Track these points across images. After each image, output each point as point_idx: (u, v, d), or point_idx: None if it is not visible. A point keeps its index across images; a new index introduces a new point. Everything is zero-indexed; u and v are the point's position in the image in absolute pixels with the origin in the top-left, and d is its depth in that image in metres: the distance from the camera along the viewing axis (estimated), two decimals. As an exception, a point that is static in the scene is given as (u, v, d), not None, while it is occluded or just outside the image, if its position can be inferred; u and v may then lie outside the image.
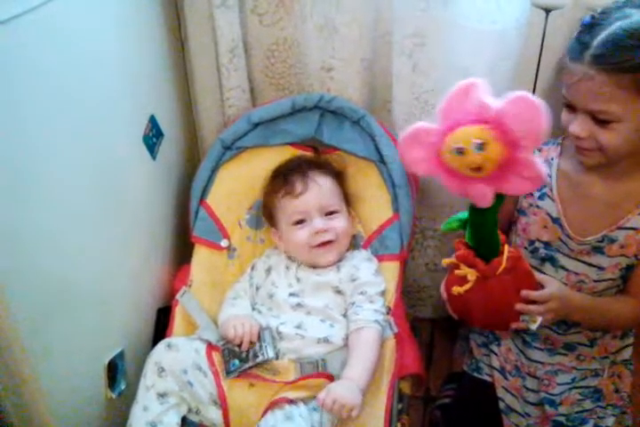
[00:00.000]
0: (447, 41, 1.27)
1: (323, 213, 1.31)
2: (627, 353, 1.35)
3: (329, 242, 1.29)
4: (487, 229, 1.05)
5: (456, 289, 1.11)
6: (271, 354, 1.19)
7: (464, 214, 1.07)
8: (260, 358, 1.18)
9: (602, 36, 1.06)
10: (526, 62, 1.31)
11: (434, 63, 1.30)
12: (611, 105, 1.07)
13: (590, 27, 1.10)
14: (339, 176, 1.37)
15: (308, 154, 1.42)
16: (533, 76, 1.34)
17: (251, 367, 1.18)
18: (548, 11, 1.25)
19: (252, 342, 1.20)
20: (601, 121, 1.09)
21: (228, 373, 1.18)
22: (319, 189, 1.31)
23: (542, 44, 1.29)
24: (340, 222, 1.31)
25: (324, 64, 1.36)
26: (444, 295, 1.19)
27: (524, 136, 0.88)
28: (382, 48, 1.34)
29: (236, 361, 1.19)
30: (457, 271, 1.11)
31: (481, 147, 0.87)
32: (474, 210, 1.03)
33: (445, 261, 1.14)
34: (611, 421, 1.30)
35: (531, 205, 1.27)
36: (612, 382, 1.33)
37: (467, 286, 1.09)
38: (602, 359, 1.33)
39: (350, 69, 1.35)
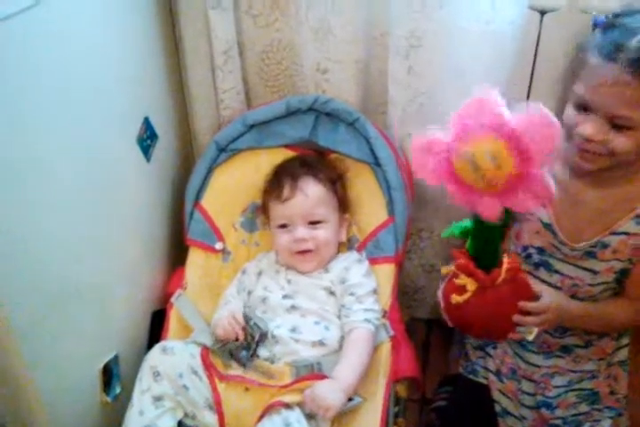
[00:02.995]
0: (443, 42, 1.27)
1: (307, 221, 1.30)
2: (622, 354, 1.36)
3: (307, 252, 1.29)
4: (493, 242, 1.05)
5: (455, 298, 1.10)
6: (264, 326, 1.19)
7: (467, 223, 1.07)
8: (257, 337, 1.18)
9: (639, 38, 1.03)
10: (521, 64, 1.31)
11: (430, 64, 1.30)
12: (635, 111, 1.04)
13: (611, 27, 1.08)
14: (336, 182, 1.36)
15: (311, 156, 1.39)
16: (528, 78, 1.33)
17: (257, 346, 1.19)
18: (542, 13, 1.25)
19: (244, 329, 1.20)
20: (616, 126, 1.07)
21: (244, 365, 1.19)
22: (306, 197, 1.30)
23: (537, 46, 1.29)
24: (322, 233, 1.30)
25: (319, 66, 1.35)
26: (442, 304, 1.18)
27: (537, 152, 0.87)
28: (377, 49, 1.34)
29: (244, 352, 1.19)
30: (456, 281, 1.10)
31: (494, 160, 0.87)
32: (481, 224, 1.02)
33: (444, 270, 1.14)
34: (607, 423, 1.30)
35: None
36: (607, 384, 1.33)
37: (466, 296, 1.09)
38: (598, 361, 1.33)
39: (345, 71, 1.35)
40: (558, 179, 1.20)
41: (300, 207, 1.29)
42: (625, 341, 1.35)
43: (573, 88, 1.12)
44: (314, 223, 1.30)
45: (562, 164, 1.22)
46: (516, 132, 0.87)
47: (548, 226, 1.24)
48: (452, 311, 1.16)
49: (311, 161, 1.37)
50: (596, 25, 1.13)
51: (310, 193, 1.31)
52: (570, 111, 1.12)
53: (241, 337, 1.20)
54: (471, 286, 1.08)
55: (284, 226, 1.31)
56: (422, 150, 0.95)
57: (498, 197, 0.92)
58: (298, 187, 1.30)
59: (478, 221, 1.02)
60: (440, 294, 1.19)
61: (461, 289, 1.10)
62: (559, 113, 1.33)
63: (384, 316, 1.26)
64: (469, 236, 1.07)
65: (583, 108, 1.10)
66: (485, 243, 1.05)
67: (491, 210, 0.94)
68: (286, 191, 1.30)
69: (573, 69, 1.20)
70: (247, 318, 1.21)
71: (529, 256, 1.29)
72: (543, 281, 1.28)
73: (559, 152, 1.22)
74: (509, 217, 0.99)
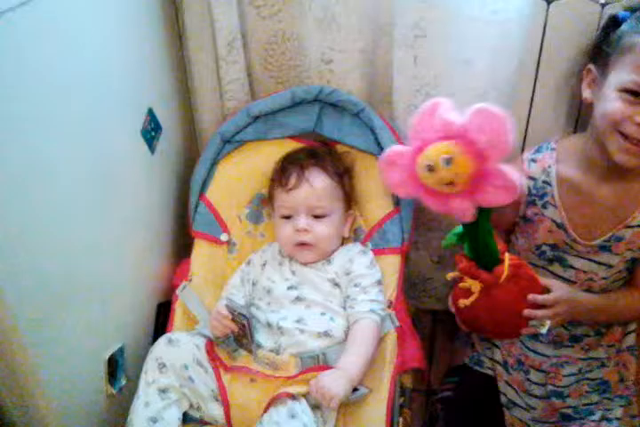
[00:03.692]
0: (448, 32, 1.25)
1: (310, 213, 1.29)
2: (630, 339, 1.36)
3: (305, 244, 1.29)
4: (481, 239, 1.05)
5: (462, 302, 1.11)
6: (247, 313, 1.18)
7: (460, 228, 1.07)
8: (246, 324, 1.18)
9: None
10: (527, 54, 1.30)
11: (435, 54, 1.28)
12: None
13: None
14: (344, 175, 1.35)
15: (320, 148, 1.38)
16: (534, 68, 1.32)
17: (251, 332, 1.19)
18: (549, 1, 1.24)
19: (234, 320, 1.19)
20: None
21: (251, 352, 1.19)
22: (311, 188, 1.29)
23: (543, 36, 1.28)
24: (323, 228, 1.29)
25: (324, 56, 1.35)
26: (452, 309, 1.19)
27: (489, 147, 0.89)
28: (382, 39, 1.33)
29: (244, 340, 1.20)
30: (461, 284, 1.12)
31: (449, 162, 0.90)
32: (464, 224, 1.03)
33: (449, 275, 1.14)
34: (618, 412, 1.30)
35: (536, 214, 1.26)
36: (617, 371, 1.33)
37: (472, 298, 1.10)
38: (608, 347, 1.33)
39: (350, 61, 1.34)
40: (568, 179, 1.22)
41: (305, 198, 1.29)
42: (632, 326, 1.36)
43: (608, 80, 1.12)
44: (317, 217, 1.30)
45: (573, 164, 1.23)
46: (464, 133, 0.90)
47: (560, 225, 1.23)
48: (464, 315, 1.17)
49: (320, 153, 1.36)
50: (619, 19, 1.15)
51: (316, 184, 1.30)
52: (617, 104, 1.10)
53: (235, 329, 1.20)
54: (475, 287, 1.09)
55: (287, 217, 1.31)
56: (387, 165, 0.99)
57: (466, 197, 0.94)
58: (305, 177, 1.30)
59: (465, 223, 1.03)
60: (450, 301, 1.19)
61: (467, 292, 1.11)
62: (567, 103, 1.34)
63: (389, 306, 1.26)
64: (464, 238, 1.07)
65: (632, 95, 1.08)
66: (477, 241, 1.06)
67: (464, 211, 0.97)
68: (293, 180, 1.29)
69: (597, 61, 1.19)
70: (231, 310, 1.20)
71: (542, 253, 1.28)
72: (558, 276, 1.28)
73: (565, 152, 1.22)
74: (487, 211, 1.00)
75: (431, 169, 0.91)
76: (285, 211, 1.30)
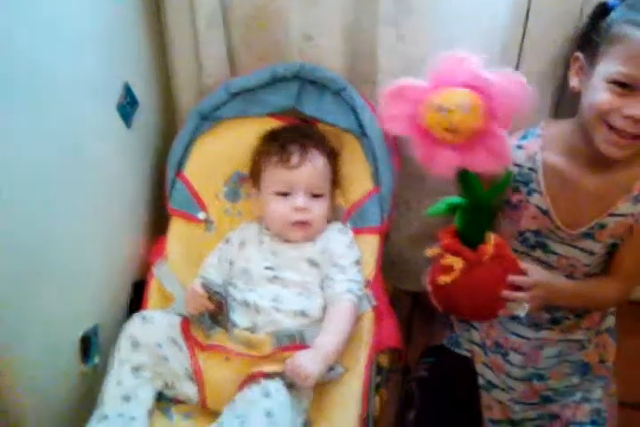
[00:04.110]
0: (433, 9, 1.24)
1: (308, 193, 1.28)
2: (610, 321, 1.36)
3: (303, 223, 1.28)
4: (484, 218, 1.05)
5: (442, 278, 1.10)
6: (222, 291, 1.18)
7: (455, 199, 1.06)
8: (223, 302, 1.17)
9: None
10: (514, 30, 1.28)
11: (420, 33, 1.27)
12: None
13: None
14: (334, 157, 1.34)
15: (311, 129, 1.36)
16: (518, 48, 1.31)
17: (227, 309, 1.18)
18: (533, -19, 1.23)
19: (210, 299, 1.18)
20: None
21: (226, 328, 1.18)
22: (314, 168, 1.28)
23: (527, 16, 1.27)
24: (320, 207, 1.29)
25: (304, 33, 1.33)
26: (429, 287, 1.18)
27: (504, 110, 0.91)
28: (365, 15, 1.31)
29: (219, 317, 1.19)
30: (443, 260, 1.10)
31: (464, 107, 0.90)
32: (475, 198, 1.02)
33: (429, 252, 1.13)
34: (598, 392, 1.31)
35: (521, 201, 1.25)
36: (597, 353, 1.34)
37: (453, 275, 1.09)
38: (587, 330, 1.33)
39: (331, 38, 1.32)
40: (554, 166, 1.22)
41: (307, 177, 1.28)
42: (611, 308, 1.36)
43: (597, 70, 1.10)
44: (314, 196, 1.29)
45: (558, 151, 1.22)
46: (488, 88, 0.91)
47: (545, 212, 1.23)
48: (441, 293, 1.15)
49: (314, 134, 1.35)
50: (608, 7, 1.13)
51: (317, 165, 1.29)
52: (605, 95, 1.08)
53: (210, 306, 1.18)
54: (457, 264, 1.08)
55: (284, 194, 1.29)
56: (394, 96, 0.97)
57: (458, 152, 0.95)
58: (307, 157, 1.28)
59: (473, 195, 1.02)
60: (427, 278, 1.18)
61: (448, 269, 1.10)
62: (552, 85, 1.33)
63: (367, 286, 1.25)
64: (458, 211, 1.06)
65: (627, 86, 1.06)
66: (477, 218, 1.05)
67: (448, 165, 0.97)
68: (295, 158, 1.28)
69: (585, 49, 1.17)
70: (207, 289, 1.18)
71: (525, 240, 1.28)
72: (540, 261, 1.28)
73: (551, 139, 1.21)
74: (506, 184, 0.99)
75: (442, 110, 0.90)
76: (283, 188, 1.29)
